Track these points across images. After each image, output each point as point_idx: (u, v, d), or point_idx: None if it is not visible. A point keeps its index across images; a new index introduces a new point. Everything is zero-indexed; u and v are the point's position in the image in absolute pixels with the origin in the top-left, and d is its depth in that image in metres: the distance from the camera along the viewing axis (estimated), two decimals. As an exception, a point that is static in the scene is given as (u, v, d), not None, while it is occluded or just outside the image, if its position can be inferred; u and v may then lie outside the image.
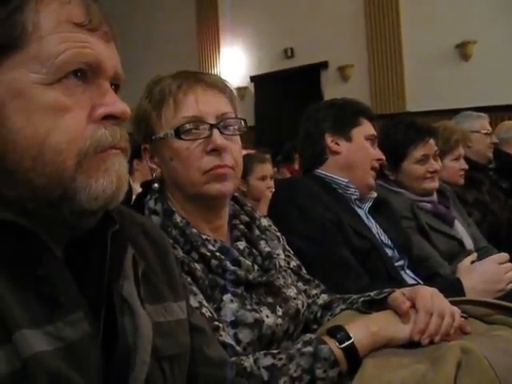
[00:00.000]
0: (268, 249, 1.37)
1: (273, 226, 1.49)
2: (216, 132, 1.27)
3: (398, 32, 9.20)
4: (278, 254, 1.40)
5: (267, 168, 3.55)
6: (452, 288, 1.66)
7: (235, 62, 10.71)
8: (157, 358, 0.83)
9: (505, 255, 1.76)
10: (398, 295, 1.25)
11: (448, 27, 8.82)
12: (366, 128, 1.96)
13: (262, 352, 1.16)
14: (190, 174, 1.27)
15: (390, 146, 2.06)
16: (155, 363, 0.82)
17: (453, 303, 1.28)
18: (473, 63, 8.89)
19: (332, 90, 9.14)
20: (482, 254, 2.37)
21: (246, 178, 3.46)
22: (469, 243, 2.39)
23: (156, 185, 1.33)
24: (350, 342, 1.14)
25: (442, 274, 2.04)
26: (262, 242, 1.37)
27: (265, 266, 1.33)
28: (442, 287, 1.68)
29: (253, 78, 10.43)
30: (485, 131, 3.17)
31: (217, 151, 1.26)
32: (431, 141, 2.37)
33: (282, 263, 1.40)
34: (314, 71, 9.62)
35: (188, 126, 1.26)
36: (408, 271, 1.93)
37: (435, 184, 2.38)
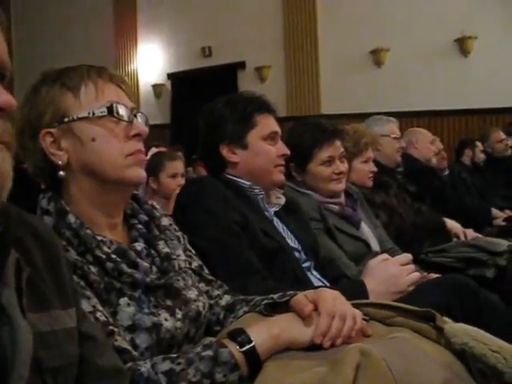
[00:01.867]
0: (167, 250, 1.32)
1: (173, 226, 1.45)
2: (138, 118, 1.29)
3: (314, 35, 9.34)
4: (177, 255, 1.36)
5: (178, 166, 3.50)
6: (356, 290, 1.67)
7: (152, 59, 10.55)
8: (39, 370, 0.77)
9: (408, 256, 1.79)
10: (301, 298, 1.24)
11: (364, 33, 9.04)
12: (263, 127, 1.88)
13: (160, 356, 1.11)
14: (113, 156, 1.23)
15: (295, 147, 2.03)
16: (36, 377, 0.76)
17: (355, 306, 1.28)
18: (386, 69, 9.16)
19: (249, 90, 9.18)
20: (389, 255, 2.44)
21: (157, 176, 3.41)
22: (375, 244, 2.43)
23: (62, 173, 1.25)
24: (251, 345, 1.12)
25: (348, 276, 2.06)
26: (161, 243, 1.33)
27: (163, 267, 1.29)
28: (347, 289, 1.71)
29: (170, 76, 10.32)
30: (394, 135, 3.25)
31: (139, 136, 1.27)
32: (337, 142, 2.35)
33: (183, 264, 1.36)
34: (231, 71, 9.64)
35: (115, 108, 1.24)
36: (315, 272, 1.93)
37: (342, 186, 2.38)
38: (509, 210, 4.31)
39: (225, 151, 1.87)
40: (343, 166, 2.37)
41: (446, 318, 1.31)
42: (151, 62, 10.56)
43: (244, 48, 9.54)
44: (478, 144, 5.57)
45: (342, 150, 2.38)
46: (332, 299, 1.22)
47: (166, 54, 10.44)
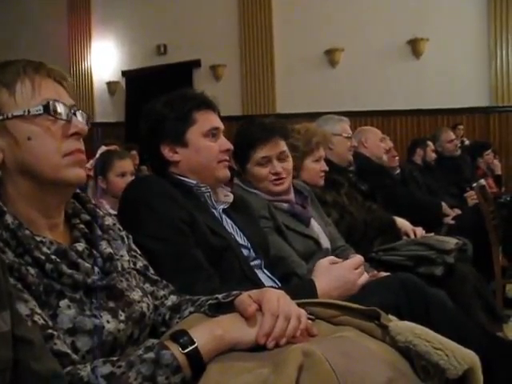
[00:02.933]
0: (109, 250, 1.29)
1: (117, 225, 1.41)
2: (78, 116, 1.25)
3: (270, 34, 9.37)
4: (121, 256, 1.33)
5: (127, 164, 3.44)
6: (305, 289, 1.67)
7: (106, 56, 10.43)
8: None
9: (360, 259, 1.79)
10: (245, 298, 1.22)
11: (319, 33, 9.11)
12: (203, 124, 1.85)
13: (100, 360, 1.08)
14: (50, 156, 1.19)
15: (235, 147, 2.01)
16: None
17: (300, 305, 1.27)
18: (340, 69, 9.24)
19: (204, 89, 9.02)
20: (340, 253, 2.45)
21: (106, 175, 3.34)
22: (325, 242, 2.43)
23: None
24: (194, 346, 1.10)
25: (298, 274, 2.06)
26: (104, 243, 1.30)
27: (106, 268, 1.25)
28: (296, 288, 1.72)
29: (124, 73, 10.22)
30: (345, 134, 3.26)
31: (78, 135, 1.23)
32: (275, 141, 2.30)
33: (126, 265, 1.33)
34: (186, 69, 9.60)
35: (52, 106, 1.20)
36: (265, 270, 1.92)
37: (281, 187, 2.33)
38: (457, 208, 4.40)
39: (166, 151, 1.85)
40: (280, 167, 2.31)
41: (390, 316, 1.31)
42: (105, 59, 10.43)
43: (199, 46, 9.51)
44: (429, 143, 5.67)
45: (281, 149, 2.32)
46: (276, 299, 1.21)
47: (121, 51, 10.33)
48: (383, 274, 2.29)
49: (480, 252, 3.51)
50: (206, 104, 1.91)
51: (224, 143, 1.90)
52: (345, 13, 9.05)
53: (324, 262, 1.79)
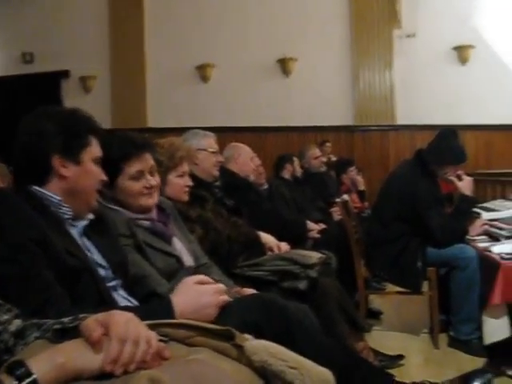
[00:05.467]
0: None
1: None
2: None
3: (141, 47, 9.26)
4: None
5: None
6: (162, 309, 1.60)
7: (-35, 62, 9.80)
8: None
9: (224, 288, 1.75)
10: (90, 322, 1.14)
11: (191, 47, 9.12)
12: (94, 149, 1.82)
13: None
14: None
15: (104, 161, 1.93)
16: None
17: (152, 327, 1.21)
18: (212, 85, 9.30)
19: (73, 100, 8.82)
20: (204, 270, 2.41)
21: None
22: (188, 260, 2.38)
23: None
24: (31, 379, 1.01)
25: (159, 293, 1.99)
26: None
27: None
28: (152, 308, 1.65)
29: (-16, 80, 9.63)
30: (211, 149, 3.24)
31: None
32: (147, 155, 2.27)
33: None
34: (54, 79, 9.23)
35: None
36: (121, 292, 1.84)
37: (153, 200, 2.30)
38: (323, 222, 4.53)
39: (57, 163, 1.74)
40: (154, 180, 2.28)
41: (247, 336, 1.29)
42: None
43: (69, 56, 9.19)
44: (295, 159, 5.81)
45: (152, 163, 2.29)
46: (124, 322, 1.14)
47: (-20, 56, 9.75)
48: (248, 290, 2.29)
49: (345, 265, 3.62)
50: (98, 130, 1.88)
51: (102, 173, 1.88)
52: (218, 29, 9.13)
53: (188, 281, 1.72)
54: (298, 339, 1.62)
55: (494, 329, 2.98)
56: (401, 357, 3.31)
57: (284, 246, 3.08)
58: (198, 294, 1.67)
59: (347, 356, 1.89)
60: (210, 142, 3.27)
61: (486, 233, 3.71)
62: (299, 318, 1.77)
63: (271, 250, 3.03)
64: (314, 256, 2.73)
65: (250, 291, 2.26)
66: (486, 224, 3.75)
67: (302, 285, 2.60)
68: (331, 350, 1.76)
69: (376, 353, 3.19)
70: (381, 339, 3.77)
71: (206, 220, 2.78)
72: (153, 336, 1.16)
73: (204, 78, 9.33)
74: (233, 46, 9.13)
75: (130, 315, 1.18)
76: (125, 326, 1.13)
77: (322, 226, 4.35)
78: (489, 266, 3.07)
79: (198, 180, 3.01)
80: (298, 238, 3.80)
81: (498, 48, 9.13)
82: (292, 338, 1.61)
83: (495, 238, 3.52)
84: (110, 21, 9.31)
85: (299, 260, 2.66)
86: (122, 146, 2.22)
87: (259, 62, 9.26)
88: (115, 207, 2.19)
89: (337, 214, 4.78)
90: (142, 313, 1.27)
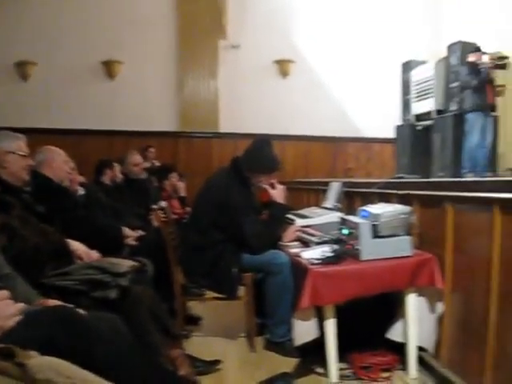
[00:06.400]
0: None
1: None
2: None
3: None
4: None
5: None
6: None
7: None
8: None
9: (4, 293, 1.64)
10: None
11: (8, 43, 8.66)
12: None
13: None
14: None
15: None
16: None
17: None
18: (32, 84, 8.89)
19: None
20: (6, 281, 2.24)
21: None
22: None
23: None
24: None
25: None
26: None
27: None
28: None
29: None
30: (21, 153, 3.05)
31: None
32: None
33: None
34: None
35: None
36: None
37: None
38: (143, 229, 4.46)
39: None
40: None
41: (32, 352, 1.21)
42: None
43: None
44: (116, 165, 5.68)
45: None
46: None
47: None
48: (52, 301, 2.17)
49: (163, 272, 3.59)
50: None
51: None
52: (41, 26, 8.73)
53: None
54: (98, 353, 1.56)
55: (304, 330, 3.11)
56: (218, 362, 3.35)
57: (94, 255, 2.97)
58: None
59: (152, 367, 1.86)
60: (19, 144, 3.07)
61: (298, 239, 3.87)
62: (101, 331, 1.71)
63: (80, 258, 2.91)
64: (126, 264, 2.67)
65: (55, 302, 2.15)
66: (299, 230, 3.92)
67: (113, 294, 2.52)
68: (135, 363, 1.72)
69: (193, 359, 3.19)
70: (200, 345, 3.80)
71: (12, 228, 2.60)
72: None
73: (23, 76, 8.86)
74: (56, 45, 8.79)
75: None
76: None
77: (140, 232, 4.28)
78: (300, 271, 3.20)
79: (5, 184, 2.82)
80: (113, 245, 3.70)
81: (316, 64, 9.71)
82: (91, 351, 1.54)
83: (307, 244, 3.67)
84: None
85: (110, 268, 2.59)
86: None
87: (83, 64, 9.02)
88: None
89: (157, 220, 4.73)
90: None
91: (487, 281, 2.65)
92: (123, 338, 2.02)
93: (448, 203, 3.09)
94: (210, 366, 3.31)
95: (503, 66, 7.56)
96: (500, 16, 8.17)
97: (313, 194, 6.46)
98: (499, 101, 7.69)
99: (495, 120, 7.54)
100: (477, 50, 7.42)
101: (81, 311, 1.78)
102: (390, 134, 9.05)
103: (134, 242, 4.05)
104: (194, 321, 4.34)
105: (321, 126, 9.58)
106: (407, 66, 8.95)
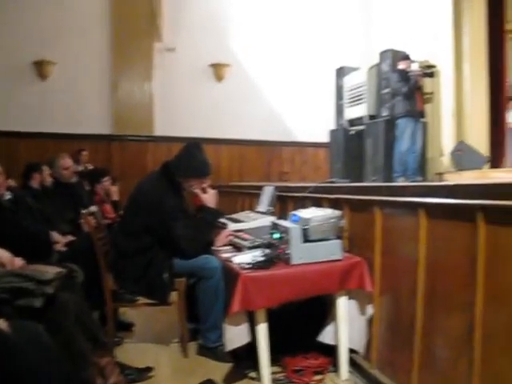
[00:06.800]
0: None
1: None
2: None
3: None
4: None
5: None
6: None
7: None
8: None
9: None
10: None
11: None
12: None
13: None
14: None
15: None
16: None
17: None
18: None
19: None
20: None
21: None
22: None
23: None
24: None
25: None
26: None
27: None
28: None
29: None
30: None
31: None
32: None
33: None
34: None
35: None
36: None
37: None
38: (73, 234, 4.36)
39: None
40: None
41: None
42: None
43: None
44: (45, 168, 5.52)
45: None
46: None
47: None
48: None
49: (93, 278, 3.52)
50: None
51: None
52: None
53: None
54: (16, 365, 1.51)
55: (235, 335, 3.10)
56: (150, 369, 3.30)
57: (18, 262, 2.87)
58: None
59: (76, 378, 1.82)
60: None
61: (231, 243, 3.86)
62: (20, 343, 1.66)
63: (3, 265, 2.81)
64: (51, 271, 2.60)
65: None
66: (231, 235, 3.91)
67: (38, 302, 2.45)
68: (56, 374, 1.67)
69: (124, 367, 3.13)
70: (132, 352, 3.74)
71: None
72: None
73: None
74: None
75: None
76: None
77: (70, 238, 4.18)
78: (231, 276, 3.19)
79: None
80: (42, 251, 3.59)
81: (252, 68, 9.75)
82: (10, 364, 1.50)
83: (240, 249, 3.66)
84: None
85: (34, 276, 2.51)
86: None
87: (13, 64, 8.75)
88: None
89: (86, 225, 4.62)
90: None
91: (414, 283, 2.72)
92: (45, 347, 1.97)
93: (376, 207, 3.15)
94: (142, 374, 3.25)
95: (431, 75, 7.86)
96: (427, 26, 8.41)
97: (247, 198, 6.47)
98: (427, 108, 7.93)
99: (424, 126, 7.78)
100: (406, 58, 7.66)
101: (1, 321, 1.71)
102: (325, 138, 9.18)
103: (63, 248, 3.95)
104: (126, 327, 4.27)
105: (256, 129, 9.62)
106: (341, 72, 9.11)
